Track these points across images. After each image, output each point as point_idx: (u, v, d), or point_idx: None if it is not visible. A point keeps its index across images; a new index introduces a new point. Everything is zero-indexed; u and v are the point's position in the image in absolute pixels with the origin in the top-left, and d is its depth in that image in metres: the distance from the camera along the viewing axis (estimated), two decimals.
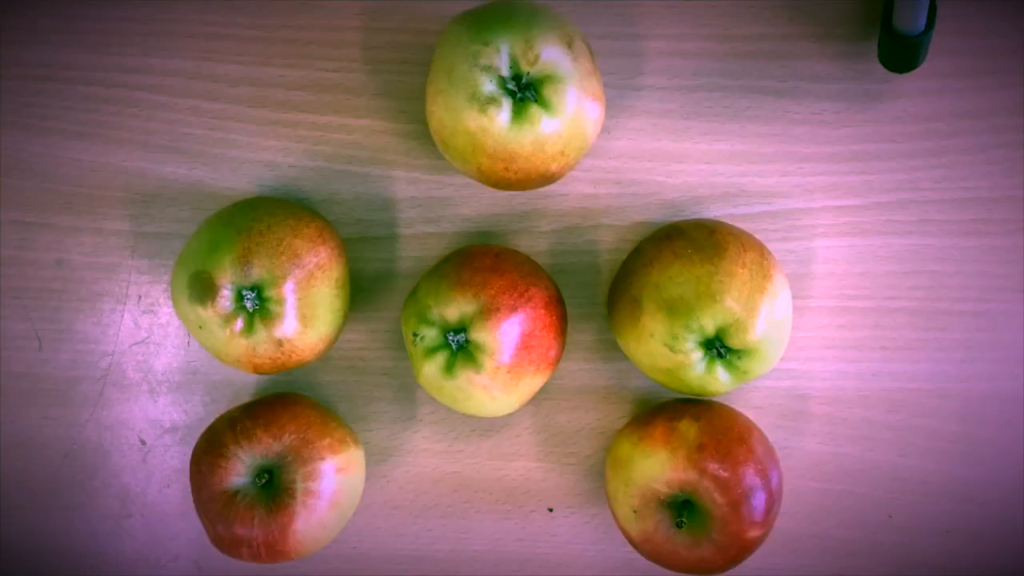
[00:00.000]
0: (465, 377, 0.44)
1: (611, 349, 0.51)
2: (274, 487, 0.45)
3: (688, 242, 0.45)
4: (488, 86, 0.42)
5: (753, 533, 0.44)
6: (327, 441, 0.46)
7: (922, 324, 0.51)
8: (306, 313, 0.45)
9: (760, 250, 0.45)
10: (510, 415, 0.52)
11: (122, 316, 0.52)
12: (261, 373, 0.46)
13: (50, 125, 0.51)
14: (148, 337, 0.52)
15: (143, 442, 0.53)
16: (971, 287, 0.50)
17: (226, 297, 0.44)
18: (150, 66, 0.50)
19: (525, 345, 0.44)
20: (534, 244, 0.51)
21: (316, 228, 0.46)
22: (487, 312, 0.43)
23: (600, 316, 0.51)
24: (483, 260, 0.45)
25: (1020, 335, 0.50)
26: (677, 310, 0.43)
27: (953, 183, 0.50)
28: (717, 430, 0.45)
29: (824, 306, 0.51)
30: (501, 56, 0.42)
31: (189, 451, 0.52)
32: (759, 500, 0.44)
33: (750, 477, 0.44)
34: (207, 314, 0.44)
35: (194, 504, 0.46)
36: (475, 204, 0.51)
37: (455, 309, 0.44)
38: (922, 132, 0.49)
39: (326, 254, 0.46)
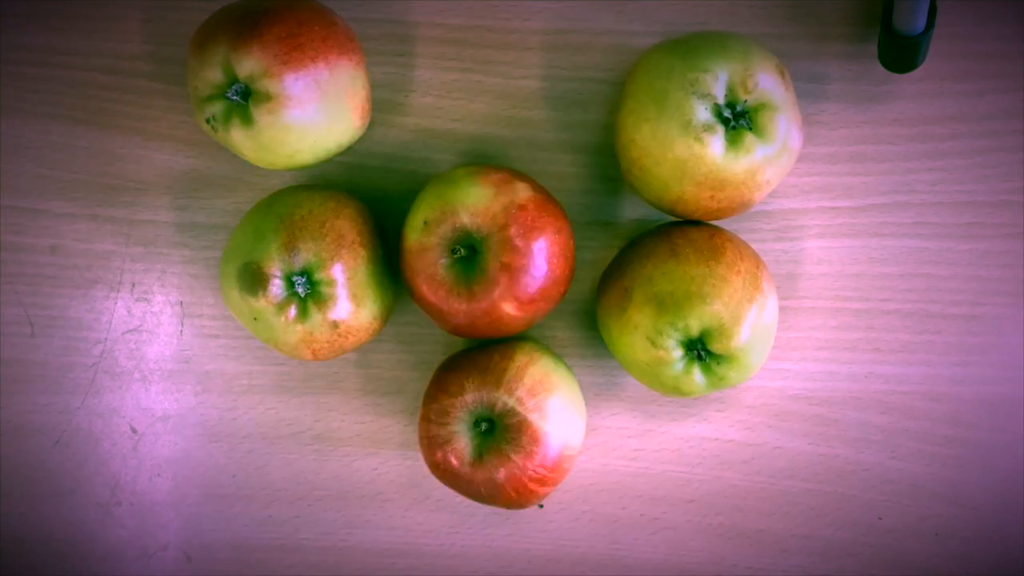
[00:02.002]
0: (266, 112, 0.43)
1: (604, 345, 0.51)
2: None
3: (687, 242, 0.45)
4: (703, 114, 0.41)
5: (509, 306, 0.43)
6: None
7: (915, 327, 0.51)
8: (357, 293, 0.45)
9: (755, 260, 0.45)
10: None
11: (115, 303, 0.52)
12: (319, 359, 0.46)
13: (47, 111, 0.51)
14: (141, 325, 0.52)
15: (134, 430, 0.53)
16: (965, 291, 0.50)
17: (277, 285, 0.44)
18: (148, 53, 0.50)
19: (294, 46, 0.42)
20: None
21: (355, 208, 0.46)
22: (235, 48, 0.42)
23: (594, 314, 0.51)
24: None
25: (1013, 339, 0.50)
26: (665, 306, 0.43)
27: (949, 186, 0.50)
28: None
29: (817, 307, 0.51)
30: (719, 84, 0.42)
31: (180, 440, 0.52)
32: (533, 280, 0.43)
33: (542, 258, 0.43)
34: (260, 304, 0.44)
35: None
36: None
37: (214, 72, 0.43)
38: (919, 135, 0.49)
39: (369, 234, 0.46)
